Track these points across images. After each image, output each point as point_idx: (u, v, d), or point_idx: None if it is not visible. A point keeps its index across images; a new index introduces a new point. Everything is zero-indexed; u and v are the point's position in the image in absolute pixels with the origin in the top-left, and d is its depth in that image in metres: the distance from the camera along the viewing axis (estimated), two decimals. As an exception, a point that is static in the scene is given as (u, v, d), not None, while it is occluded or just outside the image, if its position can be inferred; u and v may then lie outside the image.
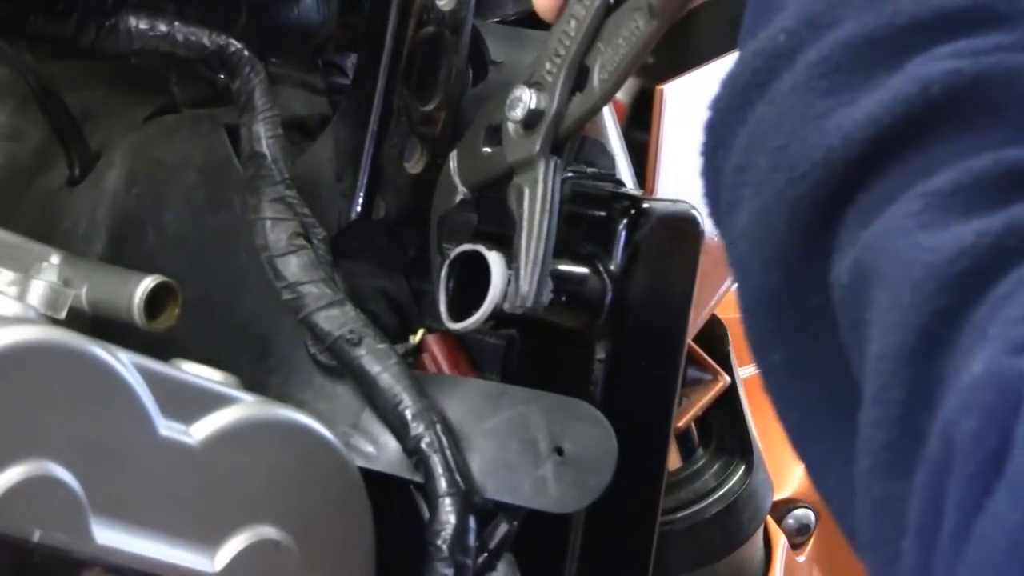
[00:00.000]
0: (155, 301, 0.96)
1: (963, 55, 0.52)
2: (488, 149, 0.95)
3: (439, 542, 0.92)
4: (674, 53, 0.93)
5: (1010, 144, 0.51)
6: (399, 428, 0.96)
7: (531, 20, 1.18)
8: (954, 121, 0.52)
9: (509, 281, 0.91)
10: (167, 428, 0.85)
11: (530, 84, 0.91)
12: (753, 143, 0.57)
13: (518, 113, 0.91)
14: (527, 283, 0.89)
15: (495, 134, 0.94)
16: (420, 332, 1.01)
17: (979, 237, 0.49)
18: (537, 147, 0.90)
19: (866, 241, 0.52)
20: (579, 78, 0.89)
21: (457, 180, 0.98)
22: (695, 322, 1.26)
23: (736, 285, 0.59)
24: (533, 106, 0.90)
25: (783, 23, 0.57)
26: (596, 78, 0.88)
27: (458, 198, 0.98)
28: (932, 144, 0.52)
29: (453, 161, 0.98)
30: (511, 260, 0.91)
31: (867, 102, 0.53)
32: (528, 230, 0.89)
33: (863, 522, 0.53)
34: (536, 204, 0.89)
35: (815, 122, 0.54)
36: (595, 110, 0.90)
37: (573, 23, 0.88)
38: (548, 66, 0.90)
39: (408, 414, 0.96)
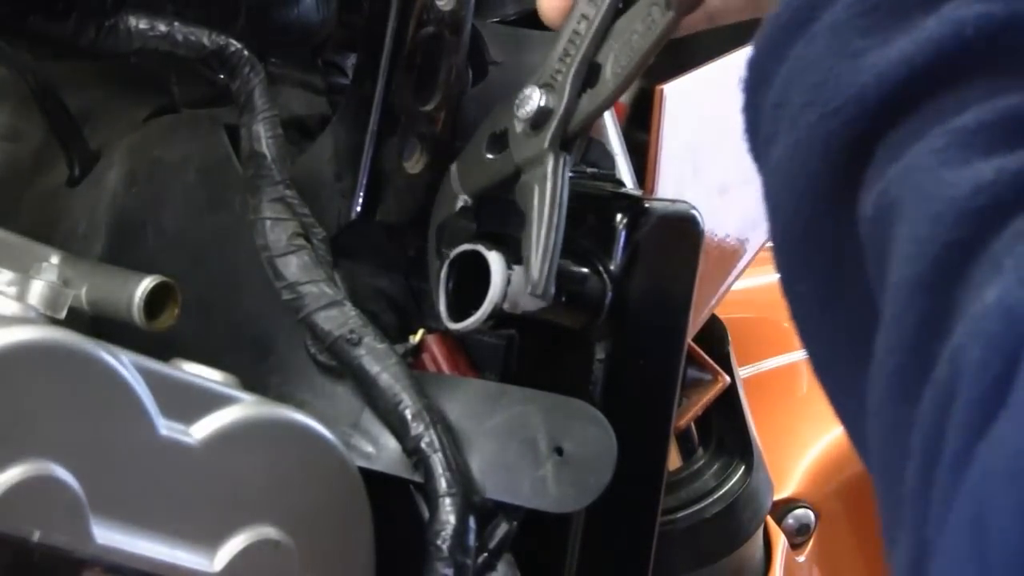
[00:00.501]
0: (155, 301, 0.96)
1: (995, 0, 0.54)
2: (491, 155, 0.95)
3: (439, 542, 0.92)
4: (674, 53, 0.93)
5: None
6: (399, 428, 0.96)
7: (531, 20, 1.18)
8: (985, 63, 0.53)
9: (509, 281, 0.91)
10: (167, 428, 0.85)
11: (540, 84, 0.91)
12: (791, 80, 0.59)
13: (527, 111, 0.91)
14: (538, 271, 0.89)
15: (498, 140, 0.94)
16: (420, 332, 1.02)
17: (999, 174, 0.50)
18: (546, 143, 0.90)
19: (892, 176, 0.54)
20: (589, 75, 0.89)
21: (458, 187, 0.98)
22: (695, 322, 1.26)
23: (768, 218, 0.61)
24: (542, 104, 0.90)
25: None
26: (609, 73, 0.88)
27: (459, 205, 0.98)
28: (962, 85, 0.53)
29: (454, 170, 0.98)
30: (511, 260, 0.91)
31: (902, 43, 0.55)
32: (539, 221, 0.89)
33: (874, 447, 0.55)
34: (546, 197, 0.89)
35: (851, 60, 0.56)
36: (607, 105, 0.90)
37: (584, 23, 0.88)
38: (558, 66, 0.90)
39: (408, 414, 0.96)
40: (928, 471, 0.50)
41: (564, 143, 0.91)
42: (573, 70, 0.89)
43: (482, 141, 0.96)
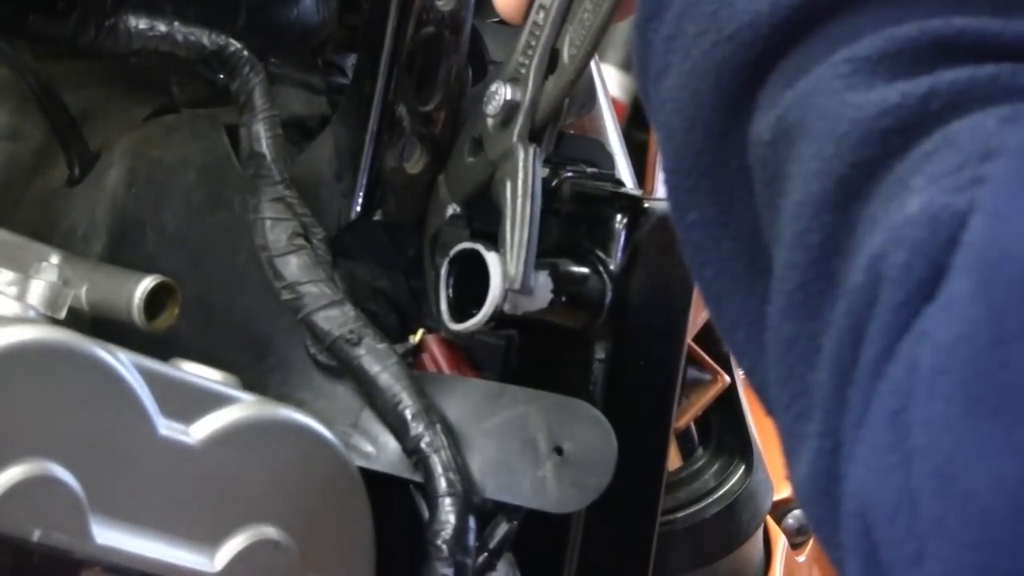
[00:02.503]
0: (155, 301, 0.96)
1: None
2: (472, 159, 0.95)
3: (439, 542, 0.92)
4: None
5: (933, 15, 0.53)
6: (399, 428, 0.96)
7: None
8: None
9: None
10: (167, 428, 0.85)
11: (506, 80, 0.92)
12: (684, 12, 0.59)
13: (494, 107, 0.91)
14: (514, 265, 0.89)
15: (478, 144, 0.95)
16: (420, 332, 1.01)
17: (903, 98, 0.51)
18: (515, 136, 0.91)
19: (791, 100, 0.54)
20: (550, 62, 0.90)
21: (446, 196, 0.98)
22: (695, 322, 1.26)
23: (659, 149, 0.61)
24: (508, 98, 0.91)
25: None
26: (567, 55, 0.89)
27: (449, 213, 0.98)
28: (857, 12, 0.54)
29: (442, 180, 0.99)
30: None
31: None
32: (511, 215, 0.89)
33: (772, 364, 0.55)
34: (518, 189, 0.90)
35: None
36: (569, 87, 0.91)
37: (542, 13, 0.89)
38: (521, 59, 0.91)
39: (408, 414, 0.96)
40: (844, 375, 0.50)
41: (533, 134, 0.91)
42: (536, 61, 0.90)
43: (463, 147, 0.96)
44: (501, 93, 0.91)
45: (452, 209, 0.98)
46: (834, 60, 0.54)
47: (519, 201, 0.89)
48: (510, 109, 0.91)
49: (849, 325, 0.51)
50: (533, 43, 0.90)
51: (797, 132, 0.54)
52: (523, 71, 0.91)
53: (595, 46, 0.88)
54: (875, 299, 0.50)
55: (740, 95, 0.57)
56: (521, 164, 0.90)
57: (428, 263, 0.99)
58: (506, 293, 0.91)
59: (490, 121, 0.93)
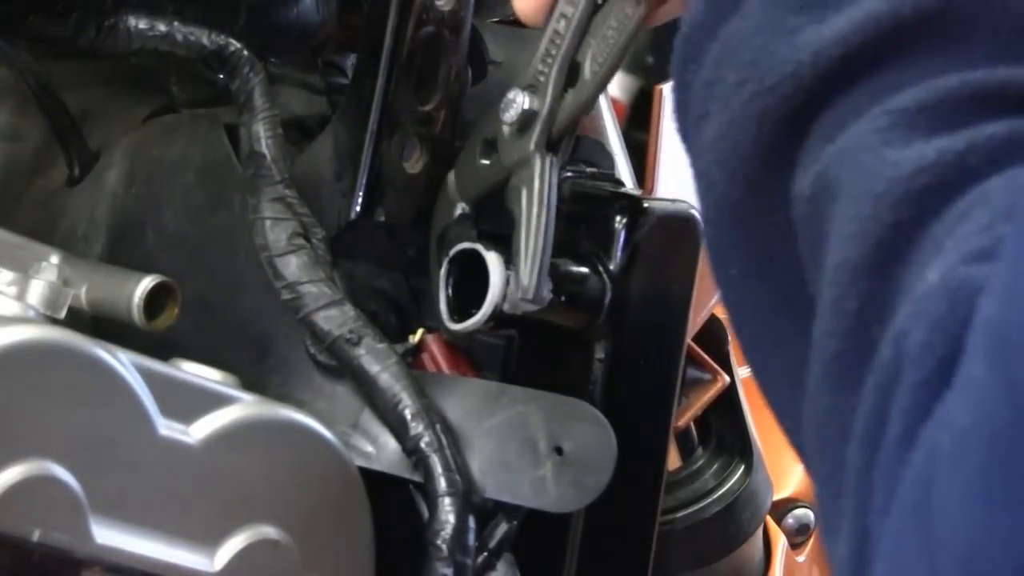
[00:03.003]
0: (154, 301, 0.96)
1: None
2: (485, 161, 0.95)
3: (439, 542, 0.92)
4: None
5: (978, 66, 0.52)
6: (398, 428, 0.96)
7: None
8: (923, 41, 0.53)
9: (508, 281, 0.91)
10: (167, 428, 0.85)
11: (523, 87, 0.91)
12: (723, 58, 0.58)
13: (511, 115, 0.91)
14: (527, 276, 0.89)
15: (491, 146, 0.94)
16: (419, 332, 1.01)
17: (941, 154, 0.50)
18: (532, 145, 0.90)
19: (830, 155, 0.53)
20: (570, 74, 0.90)
21: (455, 195, 0.98)
22: (695, 322, 1.26)
23: (699, 199, 0.60)
24: (526, 107, 0.91)
25: None
26: (588, 70, 0.89)
27: (458, 212, 0.98)
28: (900, 63, 0.53)
29: (451, 178, 0.98)
30: (510, 259, 0.91)
31: (839, 20, 0.54)
32: (527, 224, 0.89)
33: (810, 433, 0.54)
34: (534, 199, 0.89)
35: (786, 37, 0.55)
36: (589, 102, 0.91)
37: (563, 22, 0.89)
38: (540, 67, 0.90)
39: (407, 414, 0.96)
40: (870, 457, 0.49)
41: (550, 144, 0.91)
42: (555, 70, 0.90)
43: (475, 147, 0.96)
44: (519, 101, 0.91)
45: (461, 208, 0.98)
46: (873, 113, 0.52)
47: (534, 211, 0.89)
48: (527, 117, 0.91)
49: (875, 404, 0.49)
50: (553, 52, 0.89)
51: (835, 189, 0.52)
52: (542, 79, 0.90)
53: (618, 65, 0.88)
54: (898, 377, 0.48)
55: (782, 147, 0.55)
56: (537, 174, 0.90)
57: (434, 261, 0.99)
58: (506, 293, 0.91)
59: (506, 128, 0.92)
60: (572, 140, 0.93)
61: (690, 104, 0.60)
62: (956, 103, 0.51)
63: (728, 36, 0.58)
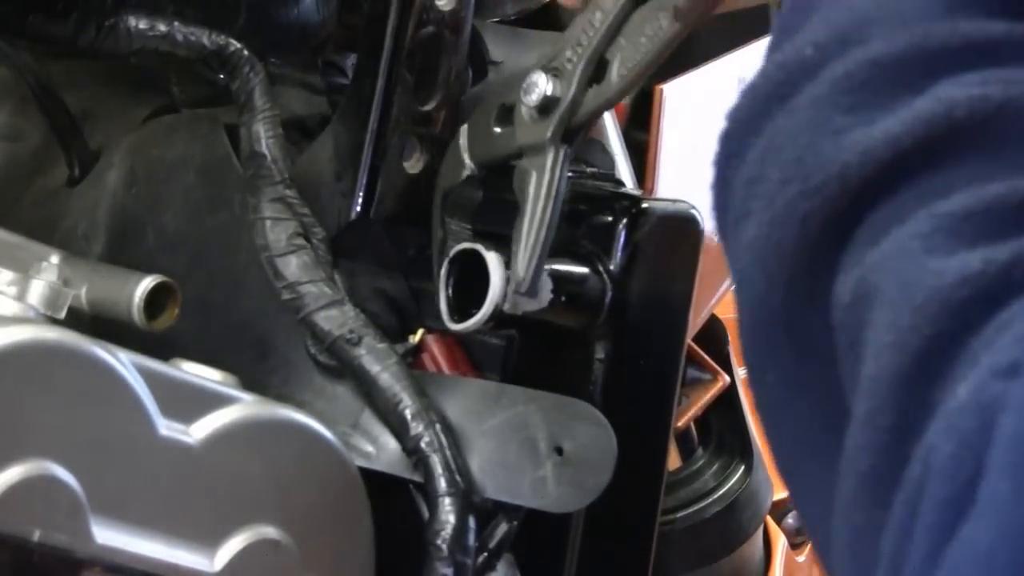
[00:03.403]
0: (155, 301, 0.96)
1: (991, 82, 0.52)
2: (499, 129, 0.94)
3: (439, 542, 0.92)
4: (674, 53, 0.93)
5: None
6: (399, 428, 0.96)
7: (531, 20, 1.18)
8: (975, 146, 0.51)
9: (508, 281, 0.91)
10: (167, 428, 0.85)
11: (547, 70, 0.90)
12: (768, 155, 0.56)
13: (533, 98, 0.90)
14: (523, 268, 0.89)
15: (507, 114, 0.93)
16: (419, 332, 1.01)
17: (985, 265, 0.48)
18: (549, 133, 0.90)
19: (872, 260, 0.51)
20: (597, 70, 0.89)
21: (466, 156, 0.97)
22: (695, 322, 1.26)
23: (736, 301, 0.58)
24: (549, 92, 0.90)
25: (811, 37, 0.56)
26: (615, 73, 0.88)
27: (465, 174, 0.97)
28: (949, 167, 0.51)
29: (463, 136, 0.97)
30: (510, 260, 0.91)
31: (888, 121, 0.52)
32: (531, 215, 0.89)
33: (840, 550, 0.52)
34: (541, 190, 0.89)
35: (833, 137, 0.53)
36: (610, 104, 0.90)
37: (599, 14, 0.87)
38: (568, 54, 0.89)
39: (408, 414, 0.96)
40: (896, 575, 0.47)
41: (567, 135, 0.90)
42: (583, 62, 0.89)
43: (491, 112, 0.95)
44: (542, 85, 0.90)
45: (469, 170, 0.97)
46: (918, 217, 0.50)
47: (540, 203, 0.89)
48: (548, 103, 0.90)
49: (902, 522, 0.47)
50: (584, 42, 0.88)
51: (875, 296, 0.50)
52: (568, 66, 0.89)
53: (646, 74, 0.87)
54: (923, 494, 0.46)
55: (825, 250, 0.53)
56: (549, 165, 0.89)
57: (437, 220, 0.99)
58: (506, 293, 0.91)
59: (524, 108, 0.91)
60: (587, 134, 0.92)
61: (730, 203, 0.58)
62: (1004, 211, 0.50)
63: (774, 133, 0.56)
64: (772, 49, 0.59)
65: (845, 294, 0.52)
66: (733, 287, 0.58)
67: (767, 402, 0.57)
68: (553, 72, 0.90)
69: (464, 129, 0.97)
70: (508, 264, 0.92)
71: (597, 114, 0.91)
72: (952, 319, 0.48)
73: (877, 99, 0.53)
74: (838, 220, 0.53)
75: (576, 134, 0.91)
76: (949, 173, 0.51)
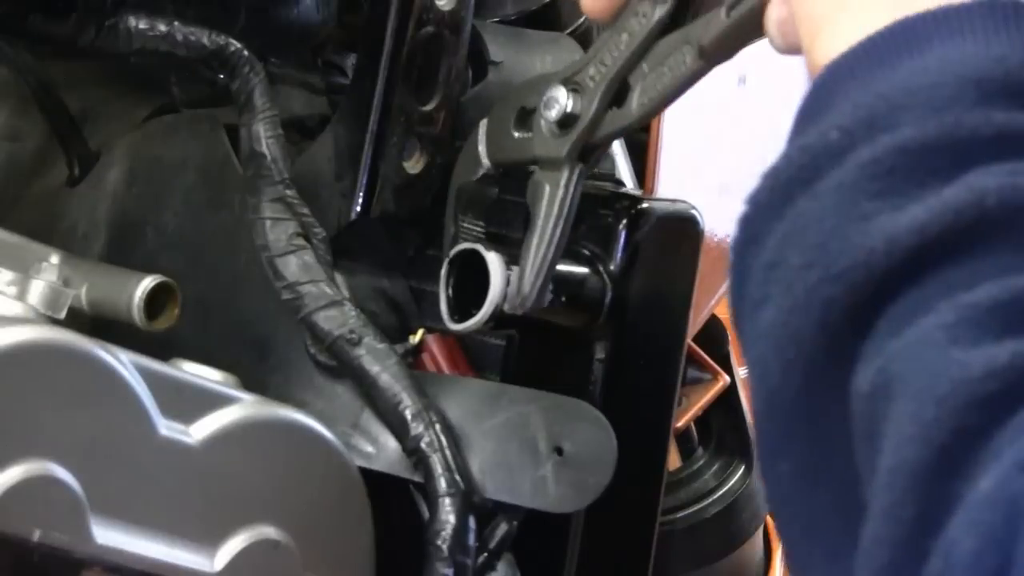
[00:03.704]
0: (155, 301, 0.96)
1: (1022, 173, 0.51)
2: (517, 133, 0.93)
3: (439, 542, 0.92)
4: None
5: None
6: (399, 428, 0.96)
7: (531, 20, 1.18)
8: (1005, 237, 0.50)
9: (509, 281, 0.91)
10: (167, 428, 0.85)
11: (568, 84, 0.89)
12: (789, 239, 0.55)
13: (553, 114, 0.89)
14: (528, 285, 0.88)
15: (526, 118, 0.92)
16: (420, 332, 1.01)
17: (1014, 358, 0.47)
18: (566, 151, 0.89)
19: (894, 350, 0.50)
20: (619, 92, 0.87)
21: (483, 154, 0.96)
22: (695, 322, 1.26)
23: (751, 386, 0.56)
24: (569, 109, 0.88)
25: (837, 120, 0.55)
26: (635, 101, 0.86)
27: (481, 171, 0.97)
28: (977, 258, 0.50)
29: (482, 132, 0.96)
30: (510, 260, 0.91)
31: (917, 209, 0.51)
32: (540, 232, 0.88)
33: None
34: (553, 208, 0.88)
35: (859, 223, 0.52)
36: (626, 131, 0.89)
37: (625, 36, 0.85)
38: (592, 72, 0.88)
39: (408, 414, 0.96)
40: None
41: (583, 152, 0.89)
42: (606, 83, 0.87)
43: (512, 112, 0.93)
44: (562, 101, 0.89)
45: (485, 168, 0.97)
46: (943, 308, 0.49)
47: (551, 221, 0.88)
48: (568, 119, 0.89)
49: None
50: (608, 62, 0.86)
51: (896, 387, 0.49)
52: (590, 84, 0.87)
53: (665, 106, 0.86)
54: None
55: (845, 338, 0.52)
56: (563, 182, 0.88)
57: (450, 215, 0.98)
58: (506, 294, 0.91)
59: (543, 122, 0.90)
60: (603, 153, 0.92)
61: (748, 287, 0.57)
62: None
63: (796, 216, 0.55)
64: (795, 133, 0.58)
65: (865, 383, 0.51)
66: (748, 374, 0.57)
67: (780, 493, 0.56)
68: (574, 88, 0.88)
69: (483, 125, 0.96)
70: (509, 264, 0.91)
71: (613, 137, 0.90)
72: (977, 413, 0.47)
73: (906, 186, 0.52)
74: (861, 308, 0.52)
75: (592, 153, 0.90)
76: (977, 264, 0.50)
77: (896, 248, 0.51)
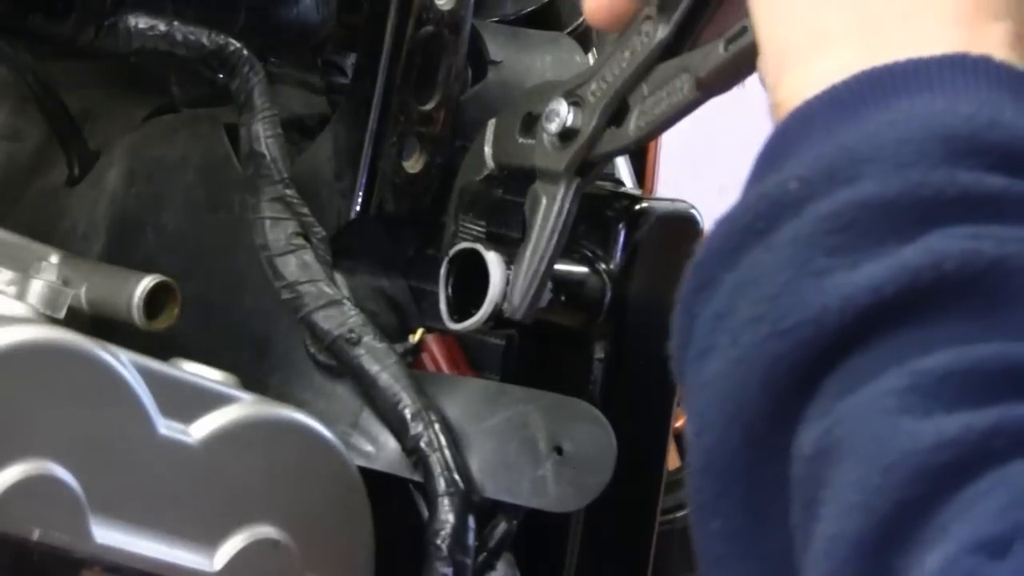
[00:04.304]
0: (154, 301, 0.96)
1: (985, 238, 0.49)
2: (521, 139, 0.93)
3: (438, 541, 0.92)
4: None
5: (1017, 339, 0.47)
6: (398, 427, 0.96)
7: (531, 20, 1.18)
8: (962, 303, 0.48)
9: (508, 281, 0.91)
10: (166, 427, 0.85)
11: (569, 97, 0.89)
12: (740, 290, 0.52)
13: (553, 127, 0.89)
14: (519, 296, 0.88)
15: (531, 125, 0.92)
16: (419, 331, 1.01)
17: (965, 431, 0.45)
18: (564, 165, 0.89)
19: (840, 413, 0.48)
20: (618, 111, 0.87)
21: (488, 155, 0.96)
22: (694, 322, 1.26)
23: (688, 438, 0.54)
24: (569, 123, 0.88)
25: (797, 170, 0.53)
26: (633, 123, 0.86)
27: (485, 172, 0.97)
28: (933, 323, 0.48)
29: (490, 132, 0.96)
30: (510, 260, 0.91)
31: (873, 267, 0.49)
32: (534, 244, 0.88)
33: None
34: (548, 221, 0.88)
35: (813, 279, 0.50)
36: (623, 152, 0.89)
37: (628, 54, 0.84)
38: (593, 87, 0.87)
39: (407, 413, 0.96)
40: None
41: (582, 168, 0.89)
42: (606, 100, 0.87)
43: (519, 116, 0.93)
44: (563, 114, 0.88)
45: (489, 170, 0.96)
46: (894, 373, 0.47)
47: (545, 234, 0.88)
48: (568, 133, 0.89)
49: None
50: (609, 79, 0.86)
51: (840, 452, 0.47)
52: (591, 99, 0.87)
53: (661, 132, 0.85)
54: None
55: (790, 397, 0.50)
56: (560, 196, 0.88)
57: (451, 214, 0.98)
58: (505, 293, 0.91)
59: (545, 135, 0.90)
60: (600, 171, 0.91)
61: (694, 335, 0.54)
62: (986, 376, 0.47)
63: (750, 266, 0.53)
64: (754, 179, 0.56)
65: (808, 445, 0.49)
66: (686, 425, 0.55)
67: (710, 552, 0.53)
68: (575, 101, 0.88)
69: (491, 126, 0.96)
70: (509, 264, 0.91)
71: (610, 156, 0.90)
72: (924, 485, 0.45)
73: (864, 243, 0.50)
74: (808, 366, 0.49)
75: (591, 169, 0.89)
76: (932, 329, 0.48)
77: (849, 307, 0.49)
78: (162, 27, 1.01)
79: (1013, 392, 0.46)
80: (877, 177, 0.51)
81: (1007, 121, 0.51)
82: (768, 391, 0.50)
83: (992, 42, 0.54)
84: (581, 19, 1.18)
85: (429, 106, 1.01)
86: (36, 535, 0.78)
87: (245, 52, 1.02)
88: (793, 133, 0.55)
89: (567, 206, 0.89)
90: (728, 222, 0.54)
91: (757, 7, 0.59)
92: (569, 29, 1.19)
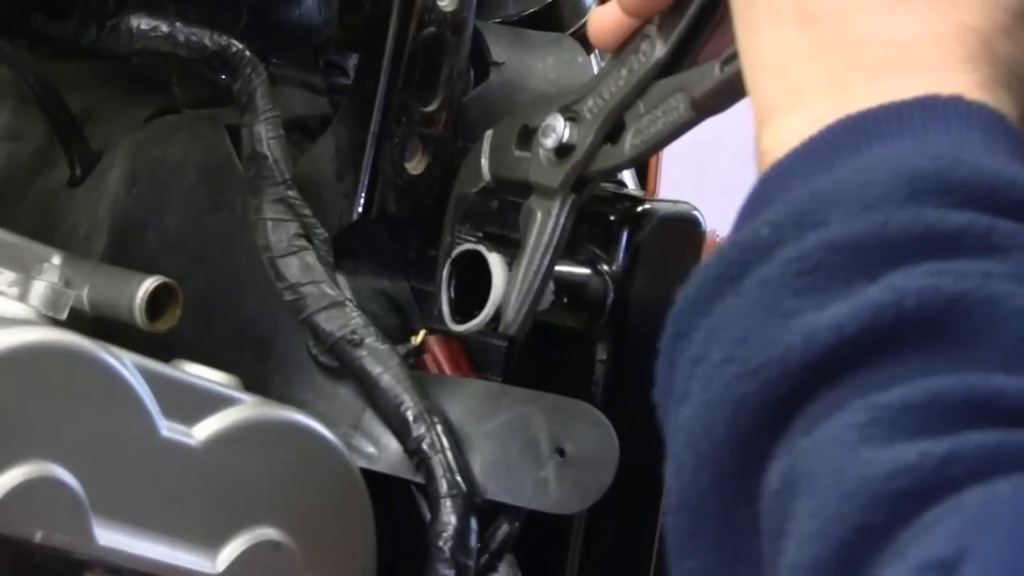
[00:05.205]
0: (156, 302, 0.96)
1: (946, 274, 0.50)
2: (518, 152, 0.93)
3: (440, 543, 0.92)
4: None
5: (974, 370, 0.48)
6: (400, 429, 0.96)
7: (532, 21, 1.18)
8: (922, 339, 0.49)
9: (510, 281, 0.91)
10: (168, 429, 0.85)
11: (567, 113, 0.89)
12: (713, 335, 0.54)
13: (549, 142, 0.89)
14: (513, 312, 0.88)
15: (528, 138, 0.92)
16: (421, 333, 1.01)
17: (922, 458, 0.46)
18: (559, 181, 0.89)
19: (804, 447, 0.49)
20: (614, 129, 0.87)
21: (485, 167, 0.96)
22: (696, 323, 1.26)
23: (667, 481, 0.55)
24: (565, 139, 0.88)
25: (769, 216, 0.54)
26: (628, 142, 0.86)
27: (481, 184, 0.97)
28: (894, 359, 0.49)
29: (486, 144, 0.96)
30: (512, 261, 0.91)
31: (838, 307, 0.50)
32: (528, 260, 0.88)
33: None
34: (543, 238, 0.88)
35: (780, 320, 0.51)
36: (618, 170, 0.89)
37: (625, 72, 0.84)
38: (590, 103, 0.87)
39: (409, 415, 0.96)
40: None
41: (576, 185, 0.89)
42: (603, 118, 0.86)
43: (515, 129, 0.93)
44: (559, 130, 0.88)
45: (486, 182, 0.96)
46: (856, 407, 0.48)
47: (539, 251, 0.88)
48: (564, 149, 0.88)
49: None
50: (606, 96, 0.86)
51: (803, 484, 0.48)
52: (588, 116, 0.87)
53: (655, 151, 0.86)
54: None
55: (759, 436, 0.51)
56: (555, 212, 0.88)
57: (448, 225, 0.98)
58: (507, 295, 0.91)
59: (541, 150, 0.90)
60: (595, 188, 0.91)
61: (675, 382, 0.56)
62: (946, 406, 0.48)
63: (722, 311, 0.54)
64: (734, 230, 0.57)
65: (775, 481, 0.49)
66: (667, 469, 0.56)
67: None
68: (571, 117, 0.88)
69: (488, 137, 0.96)
70: (510, 266, 0.91)
71: (605, 174, 0.90)
72: (882, 511, 0.46)
73: (830, 283, 0.51)
74: (776, 405, 0.50)
75: (586, 186, 0.89)
76: (893, 365, 0.49)
77: (812, 345, 0.50)
78: (164, 28, 1.01)
79: (971, 421, 0.47)
80: (843, 218, 0.52)
81: (972, 159, 0.52)
82: (737, 431, 0.51)
83: (963, 83, 0.54)
84: (583, 20, 1.18)
85: (431, 107, 1.01)
86: (38, 537, 0.78)
87: (247, 53, 1.02)
88: (772, 184, 0.56)
89: (562, 222, 0.89)
90: (704, 271, 0.56)
91: (743, 57, 0.61)
92: (571, 30, 1.19)
